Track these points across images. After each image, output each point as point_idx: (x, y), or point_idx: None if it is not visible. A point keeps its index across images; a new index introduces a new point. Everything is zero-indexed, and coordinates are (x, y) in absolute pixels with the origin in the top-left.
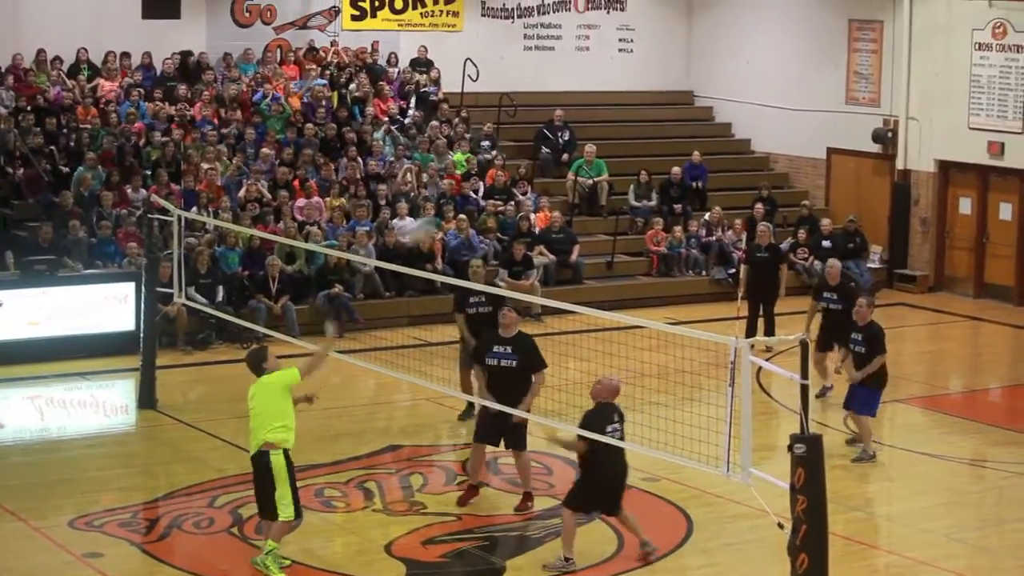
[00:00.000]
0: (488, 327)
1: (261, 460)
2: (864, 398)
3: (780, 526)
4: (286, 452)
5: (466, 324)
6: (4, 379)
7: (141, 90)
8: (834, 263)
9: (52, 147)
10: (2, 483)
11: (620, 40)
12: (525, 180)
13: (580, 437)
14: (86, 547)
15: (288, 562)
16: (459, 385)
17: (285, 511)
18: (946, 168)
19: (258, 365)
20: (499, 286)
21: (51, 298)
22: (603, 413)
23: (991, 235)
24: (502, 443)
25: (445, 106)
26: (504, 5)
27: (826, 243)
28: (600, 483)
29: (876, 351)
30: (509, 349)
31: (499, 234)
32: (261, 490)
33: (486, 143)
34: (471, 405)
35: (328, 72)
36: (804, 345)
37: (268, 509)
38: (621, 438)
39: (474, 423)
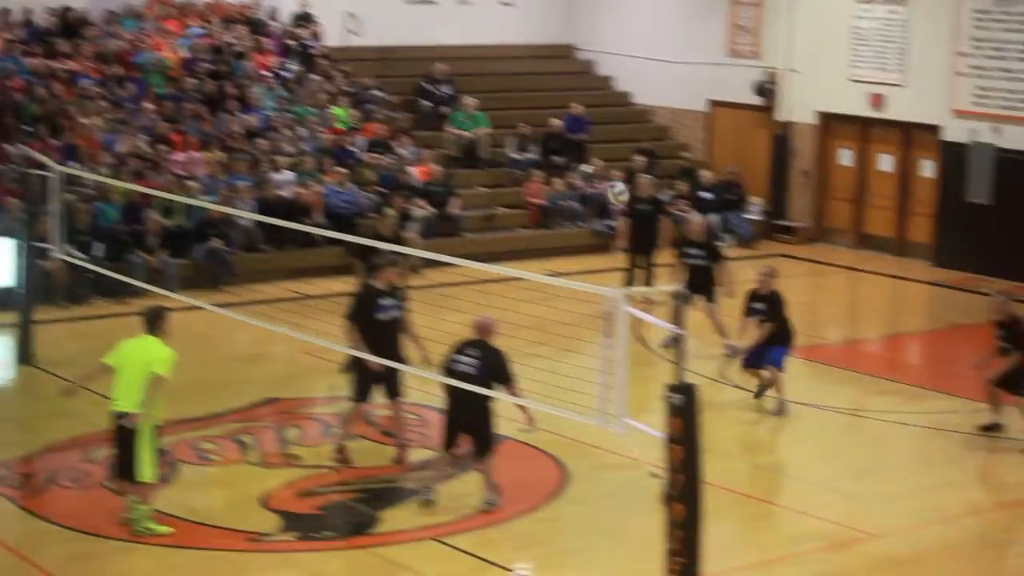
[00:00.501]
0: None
1: (126, 420)
2: (775, 356)
3: (654, 475)
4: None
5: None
6: None
7: (21, 46)
8: (697, 218)
9: None
10: None
11: None
12: (405, 133)
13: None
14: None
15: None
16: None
17: (147, 471)
18: (827, 120)
19: (154, 323)
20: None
21: None
22: (457, 345)
23: (871, 186)
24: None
25: (325, 61)
26: None
27: (706, 195)
28: (446, 412)
29: (778, 318)
30: (395, 301)
31: (379, 187)
32: (123, 450)
33: (367, 96)
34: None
35: (209, 27)
36: (680, 296)
37: (127, 470)
38: (472, 373)
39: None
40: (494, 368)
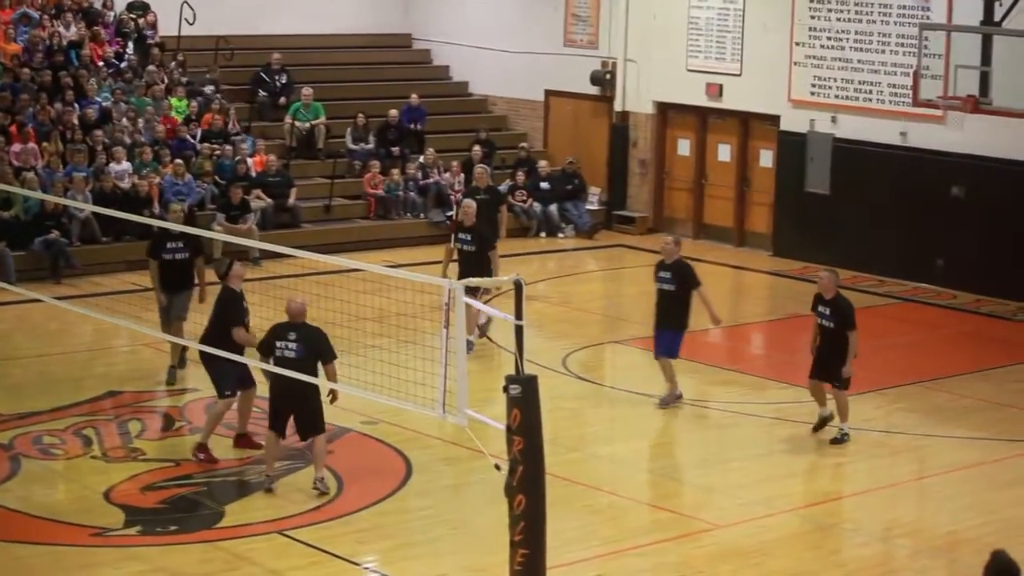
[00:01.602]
0: (182, 275)
1: None
2: (668, 341)
3: (497, 467)
4: None
5: (159, 271)
6: None
7: None
8: (469, 203)
9: None
10: None
11: None
12: (241, 123)
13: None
14: None
15: None
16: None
17: None
18: (664, 110)
19: None
20: (216, 230)
21: None
22: (275, 331)
23: (710, 176)
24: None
25: (157, 51)
26: None
27: (544, 185)
28: (272, 398)
29: (689, 287)
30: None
31: (216, 178)
32: None
33: (210, 89)
34: (173, 368)
35: (44, 15)
36: (519, 286)
37: None
38: (294, 357)
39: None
40: (316, 347)
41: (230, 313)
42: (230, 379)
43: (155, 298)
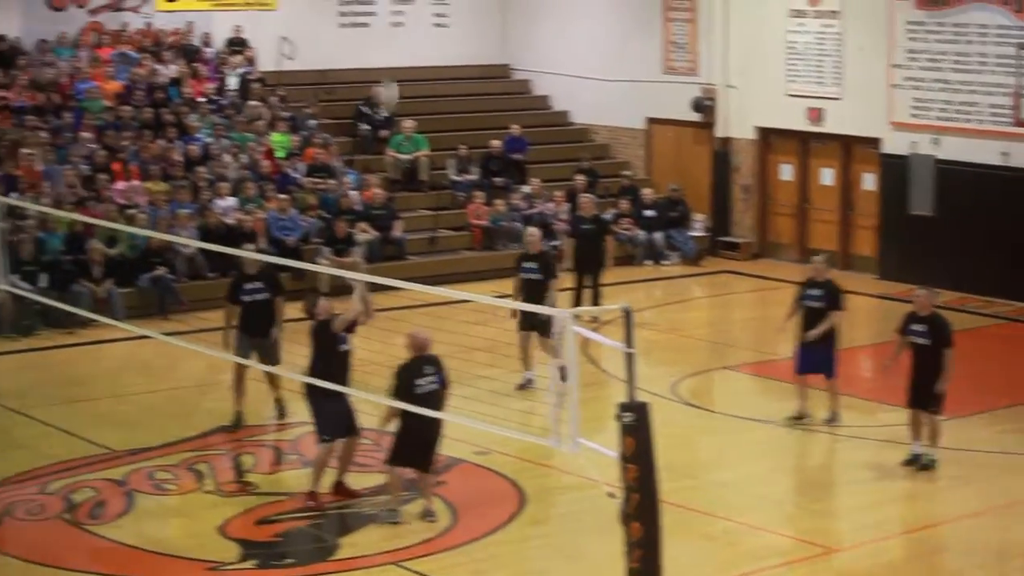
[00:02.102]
0: (264, 317)
1: None
2: (828, 360)
3: (611, 495)
4: None
5: (240, 314)
6: None
7: None
8: (533, 231)
9: None
10: None
11: (435, 15)
12: (343, 157)
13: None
14: None
15: None
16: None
17: None
18: (766, 135)
19: None
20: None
21: None
22: (410, 368)
23: (813, 200)
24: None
25: (258, 85)
26: None
27: (649, 212)
28: (409, 436)
29: (834, 307)
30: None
31: (321, 212)
32: None
33: (312, 123)
34: (240, 415)
35: (144, 54)
36: (628, 314)
37: None
38: (438, 388)
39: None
40: (445, 375)
41: (319, 344)
42: (329, 422)
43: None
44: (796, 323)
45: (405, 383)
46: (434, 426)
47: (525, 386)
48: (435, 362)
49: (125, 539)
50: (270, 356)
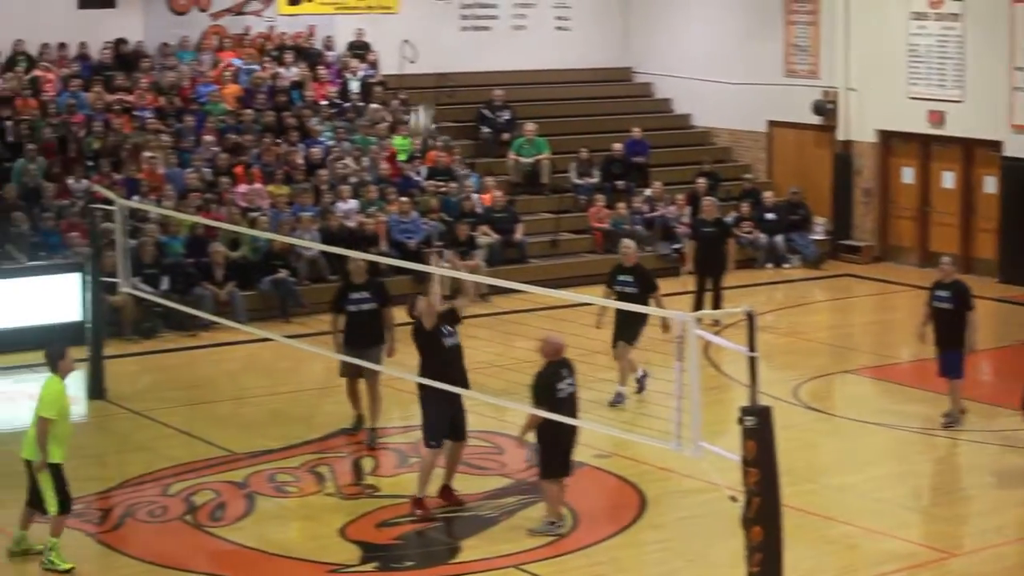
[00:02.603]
0: (371, 327)
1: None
2: (951, 361)
3: (733, 499)
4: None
5: (346, 324)
6: None
7: (80, 80)
8: (628, 243)
9: None
10: None
11: (557, 18)
12: (464, 160)
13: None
14: (40, 539)
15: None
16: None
17: (51, 507)
18: (887, 138)
19: (53, 361)
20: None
21: None
22: (550, 374)
23: (934, 204)
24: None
25: (380, 89)
26: None
27: (770, 215)
28: (558, 445)
29: (965, 307)
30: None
31: (442, 215)
32: (32, 485)
33: (432, 127)
34: (360, 418)
35: (266, 58)
36: (751, 317)
37: (35, 502)
38: (573, 393)
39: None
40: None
41: (421, 344)
42: (435, 426)
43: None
44: (929, 327)
45: (547, 389)
46: (574, 431)
47: (616, 402)
48: (569, 365)
49: (246, 541)
50: (372, 371)
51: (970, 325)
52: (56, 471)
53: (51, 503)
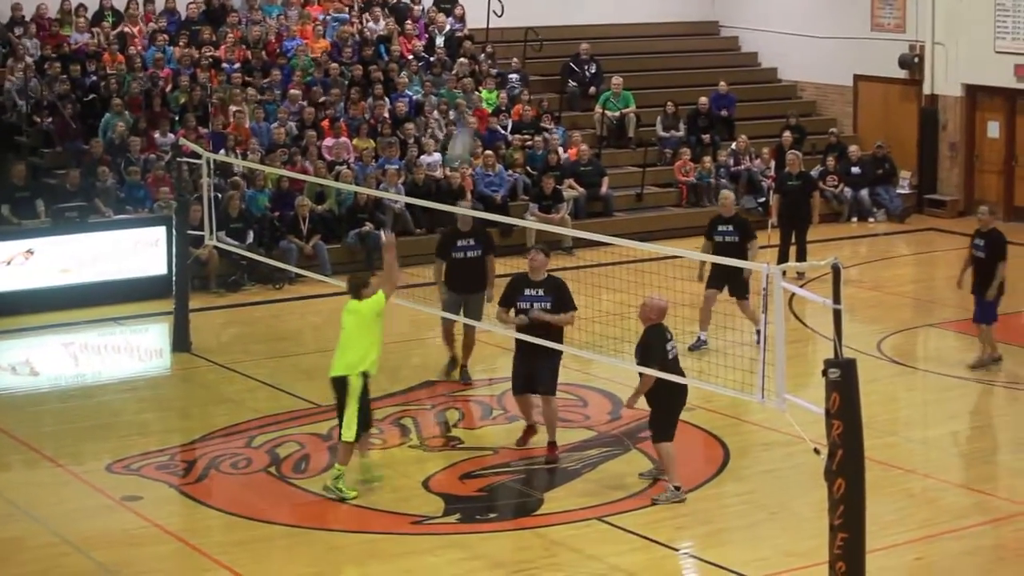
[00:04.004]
0: (474, 274)
1: (340, 381)
2: (987, 307)
3: (816, 452)
4: (365, 375)
5: (449, 271)
6: (38, 326)
7: (166, 35)
8: (727, 193)
9: (78, 94)
10: (39, 429)
11: None
12: (551, 114)
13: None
14: (124, 490)
15: (353, 493)
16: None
17: (347, 432)
18: (973, 92)
19: (358, 289)
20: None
21: (82, 244)
22: (658, 335)
23: (1020, 158)
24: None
25: (469, 43)
26: None
27: (855, 170)
28: (673, 407)
29: (998, 257)
30: (541, 292)
31: (528, 168)
32: (338, 410)
33: (514, 78)
34: (454, 359)
35: (353, 12)
36: (836, 270)
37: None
38: (677, 353)
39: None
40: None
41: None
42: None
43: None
44: (969, 273)
45: (659, 350)
46: (685, 393)
47: (697, 347)
48: (669, 330)
49: (327, 493)
50: (475, 313)
51: (996, 274)
52: (365, 390)
53: (350, 428)
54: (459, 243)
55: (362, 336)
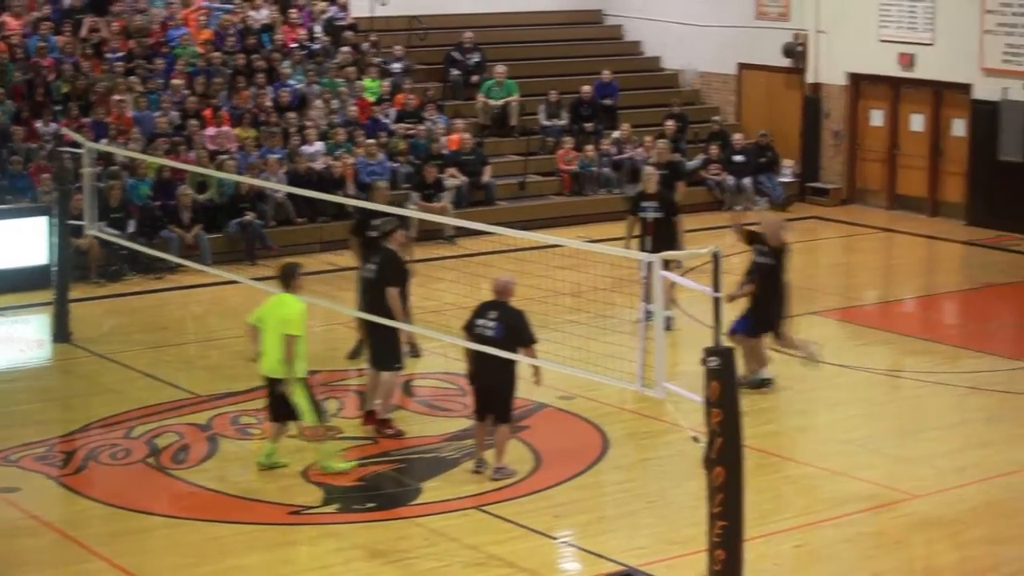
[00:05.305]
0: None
1: (275, 382)
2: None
3: (696, 440)
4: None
5: (364, 249)
6: None
7: (50, 23)
8: (651, 170)
9: None
10: None
11: None
12: (434, 103)
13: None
14: (2, 482)
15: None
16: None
17: (308, 418)
18: (857, 81)
19: (287, 280)
20: (410, 209)
21: None
22: (476, 310)
23: (902, 147)
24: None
25: (352, 32)
26: None
27: (738, 158)
28: (473, 382)
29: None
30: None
31: (410, 157)
32: (274, 400)
33: (397, 67)
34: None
35: (236, 1)
36: (716, 258)
37: (279, 416)
38: (492, 335)
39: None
40: (514, 330)
41: (388, 272)
42: (397, 350)
43: (352, 277)
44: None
45: (469, 321)
46: (486, 373)
47: (644, 319)
48: (501, 309)
49: (208, 483)
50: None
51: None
52: (305, 383)
53: (308, 414)
54: (374, 222)
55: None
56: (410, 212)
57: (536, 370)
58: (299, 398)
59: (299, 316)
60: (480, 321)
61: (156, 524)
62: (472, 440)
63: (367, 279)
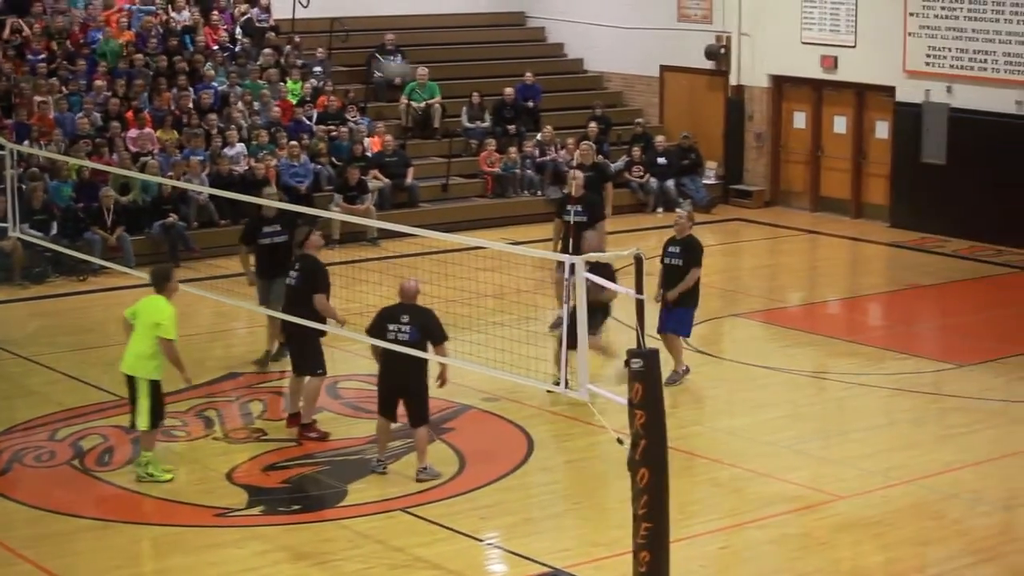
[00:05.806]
0: (281, 259)
1: (131, 378)
2: (679, 317)
3: (620, 442)
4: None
5: (257, 256)
6: None
7: None
8: (577, 174)
9: None
10: None
11: None
12: (356, 105)
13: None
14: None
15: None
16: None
17: (142, 421)
18: (779, 83)
19: (160, 283)
20: (333, 211)
21: None
22: (385, 315)
23: (826, 149)
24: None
25: (273, 34)
26: None
27: (661, 160)
28: (382, 383)
29: (692, 264)
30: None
31: (333, 159)
32: (132, 401)
33: (318, 69)
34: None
35: (158, 2)
36: (639, 260)
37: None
38: (406, 339)
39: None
40: (427, 330)
41: (316, 280)
42: (320, 355)
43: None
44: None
45: (376, 325)
46: (401, 376)
47: (558, 326)
48: (413, 312)
49: (133, 486)
50: (280, 297)
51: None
52: (157, 388)
53: (144, 418)
54: (265, 229)
55: (151, 338)
56: (334, 214)
57: (442, 370)
58: (144, 398)
59: (170, 320)
60: (392, 326)
61: (82, 527)
62: (400, 441)
63: (289, 286)
